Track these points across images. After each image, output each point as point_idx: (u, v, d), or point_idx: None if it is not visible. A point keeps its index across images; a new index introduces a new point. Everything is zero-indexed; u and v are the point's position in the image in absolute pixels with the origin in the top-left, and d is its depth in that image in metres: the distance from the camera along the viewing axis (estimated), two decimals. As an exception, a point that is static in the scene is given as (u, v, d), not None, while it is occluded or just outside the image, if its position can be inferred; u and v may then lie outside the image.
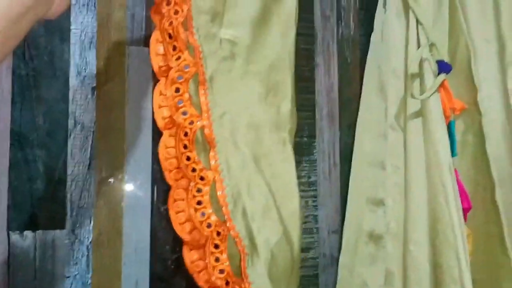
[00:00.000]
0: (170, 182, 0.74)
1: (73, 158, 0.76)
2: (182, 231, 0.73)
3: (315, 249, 0.85)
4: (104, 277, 0.75)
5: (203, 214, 0.72)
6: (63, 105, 0.76)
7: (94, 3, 0.77)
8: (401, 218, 0.77)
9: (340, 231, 0.86)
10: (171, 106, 0.71)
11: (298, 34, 0.87)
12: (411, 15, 0.78)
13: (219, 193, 0.71)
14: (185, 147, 0.73)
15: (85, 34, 0.77)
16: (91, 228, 0.75)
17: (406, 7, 0.80)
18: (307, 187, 0.86)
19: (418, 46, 0.78)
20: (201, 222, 0.72)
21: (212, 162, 0.72)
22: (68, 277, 0.74)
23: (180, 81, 0.72)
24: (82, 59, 0.77)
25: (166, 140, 0.74)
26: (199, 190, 0.72)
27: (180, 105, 0.73)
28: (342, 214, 0.86)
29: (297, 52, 0.88)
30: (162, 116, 0.75)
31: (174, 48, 0.73)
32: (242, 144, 0.72)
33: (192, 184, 0.72)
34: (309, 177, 0.86)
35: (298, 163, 0.86)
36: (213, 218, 0.72)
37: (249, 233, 0.71)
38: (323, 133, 0.88)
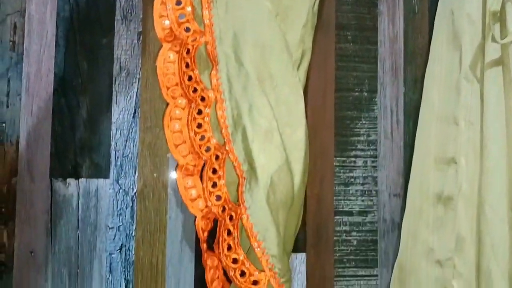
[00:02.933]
0: (168, 99, 0.70)
1: (118, 105, 0.72)
2: (178, 153, 0.70)
3: (374, 213, 0.78)
4: (149, 230, 0.71)
5: (202, 137, 0.69)
6: (107, 50, 0.72)
7: None
8: (475, 179, 0.68)
9: (402, 195, 0.78)
10: (172, 21, 0.68)
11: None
12: (490, -48, 0.69)
13: (219, 113, 0.67)
14: (187, 65, 0.69)
15: (132, -24, 0.73)
16: (136, 179, 0.72)
17: None
18: (366, 146, 0.79)
19: (498, -14, 0.68)
20: (200, 146, 0.69)
21: (214, 81, 0.68)
22: (112, 228, 0.71)
23: None
24: (128, 3, 0.73)
25: (166, 53, 0.70)
26: (199, 112, 0.69)
27: (182, 20, 0.69)
28: (405, 176, 0.78)
29: (358, -2, 0.80)
30: (162, 27, 0.70)
31: None
32: (247, 62, 0.67)
33: (193, 105, 0.68)
34: (369, 136, 0.79)
35: (356, 119, 0.79)
36: (213, 141, 0.69)
37: (249, 156, 0.67)
38: (385, 88, 0.80)
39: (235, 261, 0.66)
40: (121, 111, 0.72)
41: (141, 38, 0.73)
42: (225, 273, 0.68)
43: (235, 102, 0.68)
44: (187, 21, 0.69)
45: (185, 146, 0.70)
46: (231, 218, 0.67)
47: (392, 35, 0.81)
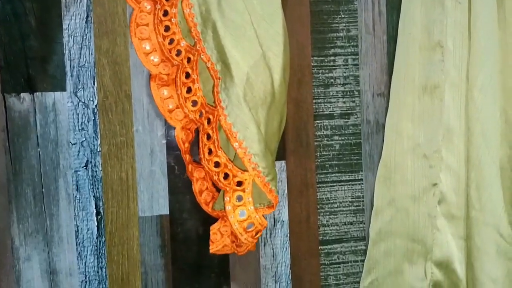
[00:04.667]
0: (131, 4, 0.65)
1: (68, 9, 0.66)
2: (148, 62, 0.65)
3: (357, 114, 0.73)
4: (115, 145, 0.67)
5: (171, 41, 0.64)
6: None
7: None
8: (464, 63, 0.63)
9: (387, 94, 0.72)
10: None
11: None
12: None
13: (186, 11, 0.62)
14: None
15: None
16: (95, 90, 0.66)
17: None
18: (346, 42, 0.72)
19: None
20: (170, 50, 0.64)
21: None
22: (75, 144, 0.66)
23: None
24: None
25: None
26: (165, 13, 0.63)
27: None
28: (390, 73, 0.72)
29: None
30: None
31: None
32: None
33: (158, 6, 0.63)
34: (348, 31, 0.72)
35: (334, 13, 0.72)
36: (183, 43, 0.64)
37: (222, 54, 0.62)
38: (365, -23, 0.72)
39: (217, 164, 0.62)
40: (72, 16, 0.65)
41: None
42: (214, 184, 0.65)
43: None
44: None
45: (155, 54, 0.65)
46: (209, 121, 0.63)
47: None
